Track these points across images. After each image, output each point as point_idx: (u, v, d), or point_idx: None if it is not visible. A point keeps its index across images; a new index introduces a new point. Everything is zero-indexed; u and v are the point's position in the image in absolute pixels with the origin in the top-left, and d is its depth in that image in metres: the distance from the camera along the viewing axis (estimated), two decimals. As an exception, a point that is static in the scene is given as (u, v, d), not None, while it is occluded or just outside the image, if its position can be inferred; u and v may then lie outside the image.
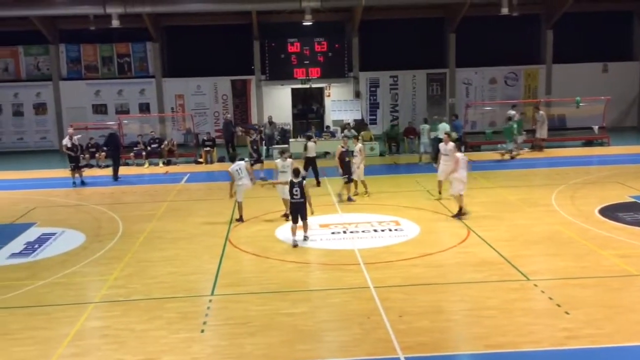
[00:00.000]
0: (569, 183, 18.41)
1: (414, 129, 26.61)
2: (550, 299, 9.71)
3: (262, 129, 25.99)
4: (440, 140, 17.94)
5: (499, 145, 24.60)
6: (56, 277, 11.63)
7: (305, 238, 13.23)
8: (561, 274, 10.81)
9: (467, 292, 10.16)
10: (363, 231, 14.00)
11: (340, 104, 29.85)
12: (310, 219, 13.50)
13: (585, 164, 21.81)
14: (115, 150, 22.79)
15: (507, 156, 23.53)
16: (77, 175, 21.25)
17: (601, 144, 26.41)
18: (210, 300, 10.21)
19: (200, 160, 25.22)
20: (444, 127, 22.30)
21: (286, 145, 24.41)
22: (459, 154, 15.15)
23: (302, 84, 30.10)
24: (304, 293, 10.50)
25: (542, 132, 25.67)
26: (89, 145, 25.50)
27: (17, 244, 13.97)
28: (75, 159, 21.28)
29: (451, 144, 16.26)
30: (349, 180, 17.06)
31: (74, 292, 10.86)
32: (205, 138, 26.17)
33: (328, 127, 27.95)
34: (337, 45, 30.06)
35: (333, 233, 13.99)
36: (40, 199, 18.98)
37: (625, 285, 10.26)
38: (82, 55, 30.57)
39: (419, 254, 12.20)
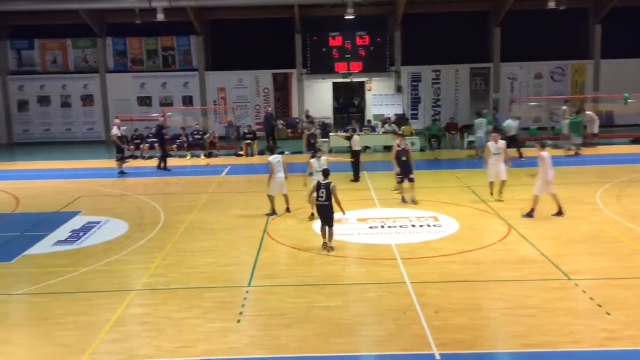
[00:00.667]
0: (615, 181, 17.94)
1: (456, 124, 26.33)
2: (592, 299, 9.50)
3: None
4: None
5: (558, 142, 23.85)
6: (99, 264, 11.92)
7: (325, 246, 12.29)
8: (603, 274, 10.57)
9: (506, 291, 10.00)
10: (401, 226, 13.92)
11: (381, 98, 29.78)
12: (348, 214, 13.39)
13: (633, 162, 21.19)
14: (164, 141, 23.19)
15: (572, 152, 22.96)
16: (123, 165, 21.79)
17: (650, 142, 25.67)
18: (247, 292, 10.31)
19: (241, 153, 25.44)
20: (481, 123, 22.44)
21: (325, 140, 24.37)
22: (544, 153, 14.16)
23: (343, 78, 30.06)
24: (340, 287, 10.50)
25: (594, 128, 25.04)
26: (134, 137, 26.11)
27: (63, 232, 14.37)
28: (122, 149, 21.82)
29: (502, 142, 16.00)
30: (403, 180, 16.22)
31: (116, 280, 11.12)
32: (246, 131, 26.40)
33: (369, 121, 27.86)
34: (379, 39, 29.87)
35: (371, 228, 13.97)
36: (86, 188, 19.48)
37: (670, 287, 9.96)
38: (128, 49, 31.23)
39: (458, 251, 12.07)
